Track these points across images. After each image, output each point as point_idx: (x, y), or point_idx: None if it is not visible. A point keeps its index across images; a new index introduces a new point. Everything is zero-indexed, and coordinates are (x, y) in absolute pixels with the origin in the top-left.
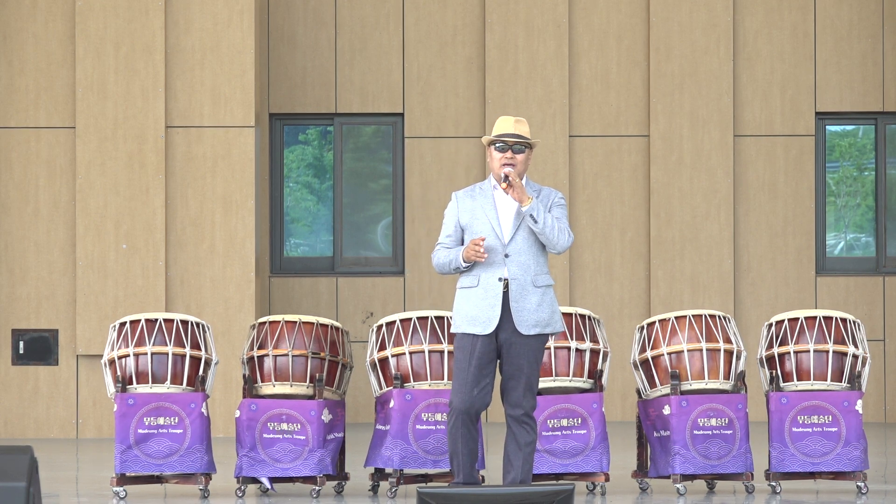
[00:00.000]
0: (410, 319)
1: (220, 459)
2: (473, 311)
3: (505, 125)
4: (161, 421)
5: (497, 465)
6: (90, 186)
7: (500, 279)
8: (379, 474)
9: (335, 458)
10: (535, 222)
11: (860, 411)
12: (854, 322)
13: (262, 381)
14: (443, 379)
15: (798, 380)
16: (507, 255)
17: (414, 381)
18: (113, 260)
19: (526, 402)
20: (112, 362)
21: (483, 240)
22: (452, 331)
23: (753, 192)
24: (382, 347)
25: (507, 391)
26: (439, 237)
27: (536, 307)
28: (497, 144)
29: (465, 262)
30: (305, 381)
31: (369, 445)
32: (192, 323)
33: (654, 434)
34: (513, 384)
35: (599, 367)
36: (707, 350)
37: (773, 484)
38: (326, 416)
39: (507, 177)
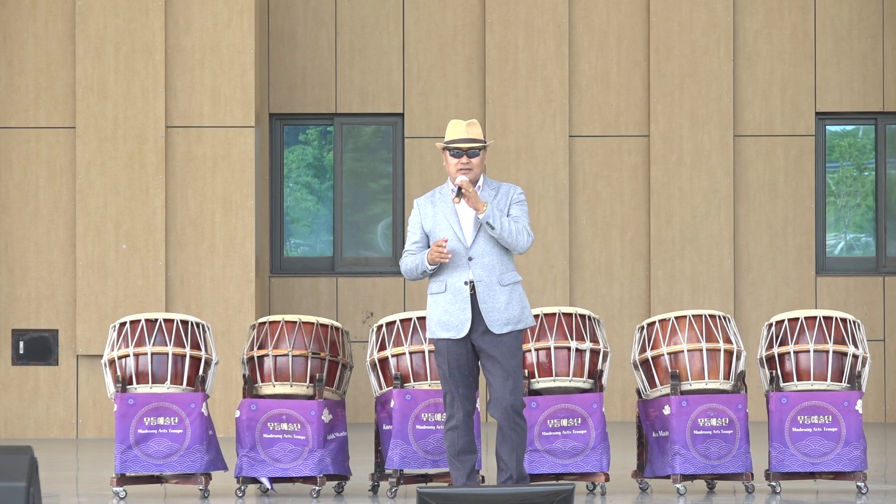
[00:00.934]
0: (410, 319)
1: None
2: (445, 317)
3: (457, 130)
4: (161, 421)
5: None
6: (90, 186)
7: (465, 282)
8: (379, 474)
9: (336, 457)
10: (493, 229)
11: (860, 411)
12: (854, 322)
13: (262, 381)
14: None
15: (798, 380)
16: (470, 258)
17: (414, 381)
18: (113, 260)
19: (512, 399)
20: (112, 362)
21: (446, 241)
22: (427, 336)
23: (753, 192)
24: (382, 347)
25: (491, 392)
26: (406, 244)
27: (506, 305)
28: (451, 150)
29: (430, 264)
30: (305, 381)
31: (382, 447)
32: (192, 323)
33: (653, 434)
34: (495, 385)
35: (599, 367)
36: (707, 350)
37: (773, 484)
38: (326, 416)
39: (459, 188)
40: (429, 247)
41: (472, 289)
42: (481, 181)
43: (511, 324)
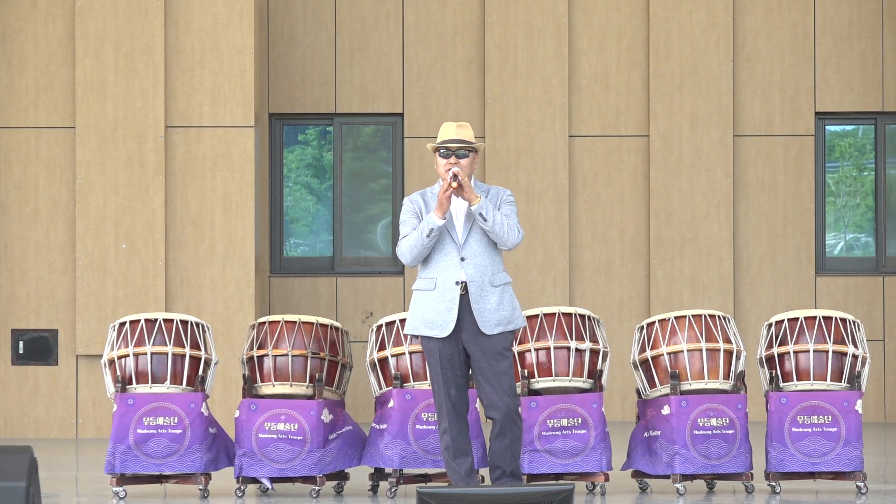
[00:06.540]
0: None
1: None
2: (430, 315)
3: (447, 131)
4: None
5: None
6: (90, 186)
7: (457, 283)
8: (379, 474)
9: (343, 453)
10: (485, 220)
11: (860, 411)
12: (854, 322)
13: (262, 381)
14: None
15: (798, 380)
16: (463, 259)
17: (414, 381)
18: (113, 260)
19: (505, 400)
20: (112, 362)
21: (449, 178)
22: (406, 332)
23: (753, 192)
24: (382, 347)
25: (482, 394)
26: (401, 235)
27: (497, 306)
28: (441, 151)
29: (439, 217)
30: (305, 381)
31: (371, 446)
32: (191, 323)
33: (644, 433)
34: (487, 387)
35: (599, 367)
36: (707, 350)
37: (773, 484)
38: (326, 416)
39: (455, 176)
40: None
41: (464, 289)
42: (472, 183)
43: (502, 324)
